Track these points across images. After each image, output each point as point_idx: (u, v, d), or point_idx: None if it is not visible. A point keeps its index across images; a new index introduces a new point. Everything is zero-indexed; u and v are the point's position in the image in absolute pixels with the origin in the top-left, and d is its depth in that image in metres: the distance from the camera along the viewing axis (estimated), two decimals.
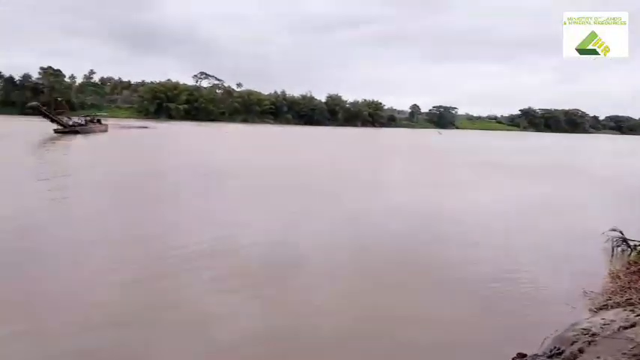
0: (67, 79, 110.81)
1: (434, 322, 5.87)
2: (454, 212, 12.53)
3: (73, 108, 66.40)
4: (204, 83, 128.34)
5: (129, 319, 5.62)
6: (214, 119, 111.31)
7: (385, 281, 7.02)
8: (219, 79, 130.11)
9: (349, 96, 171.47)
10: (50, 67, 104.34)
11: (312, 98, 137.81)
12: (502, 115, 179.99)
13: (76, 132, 39.24)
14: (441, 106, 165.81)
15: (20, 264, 6.70)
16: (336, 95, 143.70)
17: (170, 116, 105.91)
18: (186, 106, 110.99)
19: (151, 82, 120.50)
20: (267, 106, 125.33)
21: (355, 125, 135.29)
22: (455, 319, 5.94)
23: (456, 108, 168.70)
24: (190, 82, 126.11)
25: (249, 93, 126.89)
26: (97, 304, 5.84)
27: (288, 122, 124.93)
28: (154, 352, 4.91)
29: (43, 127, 40.50)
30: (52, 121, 39.23)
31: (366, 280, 7.10)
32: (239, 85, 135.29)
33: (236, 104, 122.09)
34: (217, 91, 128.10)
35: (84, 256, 7.49)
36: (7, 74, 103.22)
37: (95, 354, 4.75)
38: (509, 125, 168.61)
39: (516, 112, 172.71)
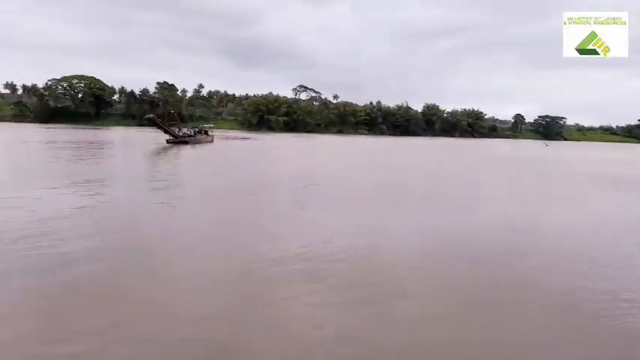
0: (179, 93, 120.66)
1: None
2: (580, 233, 10.80)
3: (183, 120, 71.60)
4: (303, 96, 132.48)
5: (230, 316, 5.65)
6: (311, 130, 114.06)
7: (487, 310, 6.16)
8: (316, 92, 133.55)
9: (447, 105, 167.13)
10: (165, 82, 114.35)
11: (407, 108, 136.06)
12: (617, 126, 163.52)
13: (186, 142, 41.81)
14: (547, 116, 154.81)
15: (129, 263, 6.96)
16: (433, 105, 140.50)
17: (270, 128, 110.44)
18: (285, 118, 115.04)
19: (254, 95, 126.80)
20: (361, 117, 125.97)
21: (452, 136, 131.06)
22: None
23: (564, 118, 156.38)
24: (290, 94, 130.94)
25: (345, 104, 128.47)
26: (196, 305, 5.91)
27: (382, 133, 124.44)
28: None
29: (157, 137, 44.00)
30: (165, 132, 42.00)
31: (467, 305, 6.34)
32: (335, 96, 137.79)
33: (332, 115, 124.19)
34: (314, 103, 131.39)
35: (187, 259, 7.68)
36: (129, 89, 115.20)
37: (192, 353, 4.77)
38: (625, 137, 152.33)
39: (635, 122, 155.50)
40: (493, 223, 11.56)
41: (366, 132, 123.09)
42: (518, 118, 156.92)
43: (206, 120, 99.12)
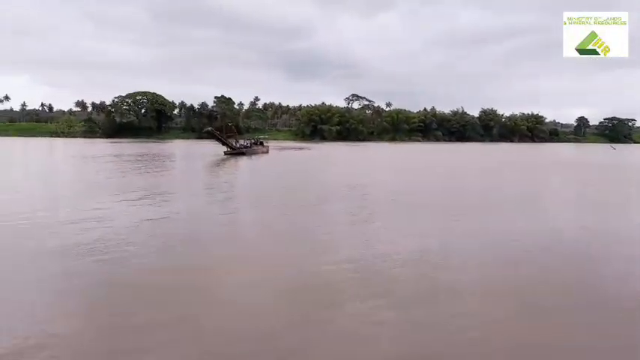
0: (236, 106, 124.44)
1: None
2: None
3: (240, 132, 73.54)
4: (355, 105, 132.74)
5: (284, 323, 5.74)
6: (363, 139, 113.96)
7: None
8: (369, 100, 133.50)
9: (505, 110, 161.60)
10: (223, 96, 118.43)
11: (463, 114, 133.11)
12: None
13: (243, 153, 42.89)
14: (614, 118, 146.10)
15: (197, 271, 7.19)
16: (491, 109, 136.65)
17: (323, 137, 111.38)
18: (338, 127, 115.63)
19: (307, 106, 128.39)
20: (415, 124, 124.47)
21: (511, 141, 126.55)
22: None
23: (633, 119, 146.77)
24: (342, 104, 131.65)
25: (398, 112, 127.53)
26: (254, 310, 6.10)
27: (437, 139, 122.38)
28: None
29: (216, 149, 45.48)
30: (223, 144, 43.61)
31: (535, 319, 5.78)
32: (388, 104, 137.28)
33: (385, 123, 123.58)
34: (367, 111, 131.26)
35: (244, 264, 7.89)
36: (188, 104, 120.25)
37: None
38: None
39: None
40: (566, 230, 10.98)
41: (421, 139, 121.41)
42: (582, 121, 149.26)
43: (261, 131, 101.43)
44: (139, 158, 37.51)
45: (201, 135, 78.88)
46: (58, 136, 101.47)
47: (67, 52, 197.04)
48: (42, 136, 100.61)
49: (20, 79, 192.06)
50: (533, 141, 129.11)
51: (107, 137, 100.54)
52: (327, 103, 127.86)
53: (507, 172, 31.46)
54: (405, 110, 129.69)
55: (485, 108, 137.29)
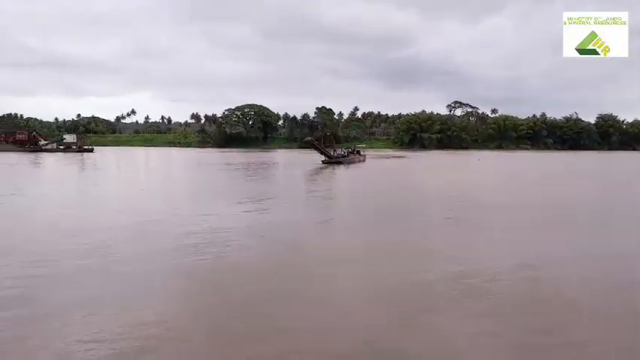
0: (335, 117, 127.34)
1: None
2: None
3: (338, 141, 75.38)
4: (458, 112, 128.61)
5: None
6: (466, 147, 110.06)
7: None
8: (473, 107, 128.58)
9: (627, 115, 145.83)
10: (323, 107, 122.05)
11: (577, 120, 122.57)
12: None
13: (340, 162, 44.28)
14: None
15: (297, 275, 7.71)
16: (609, 115, 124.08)
17: (423, 146, 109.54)
18: (438, 135, 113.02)
19: (407, 114, 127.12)
20: (523, 131, 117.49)
21: (634, 149, 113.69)
22: None
23: None
24: (444, 111, 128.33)
25: (505, 119, 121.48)
26: (355, 322, 6.15)
27: (547, 147, 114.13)
28: None
29: (315, 158, 47.61)
30: (321, 153, 45.49)
31: None
32: (494, 111, 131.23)
33: (490, 130, 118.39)
34: (470, 118, 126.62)
35: (350, 273, 8.25)
36: (291, 115, 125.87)
37: None
38: None
39: None
40: None
41: (529, 147, 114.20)
42: None
43: (360, 140, 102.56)
44: (247, 166, 40.90)
45: (301, 144, 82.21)
46: (175, 146, 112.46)
47: (185, 70, 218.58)
48: (160, 146, 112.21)
49: (144, 95, 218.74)
50: None
51: (218, 147, 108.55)
52: (427, 111, 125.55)
53: None
54: (512, 117, 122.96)
55: (603, 113, 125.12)
